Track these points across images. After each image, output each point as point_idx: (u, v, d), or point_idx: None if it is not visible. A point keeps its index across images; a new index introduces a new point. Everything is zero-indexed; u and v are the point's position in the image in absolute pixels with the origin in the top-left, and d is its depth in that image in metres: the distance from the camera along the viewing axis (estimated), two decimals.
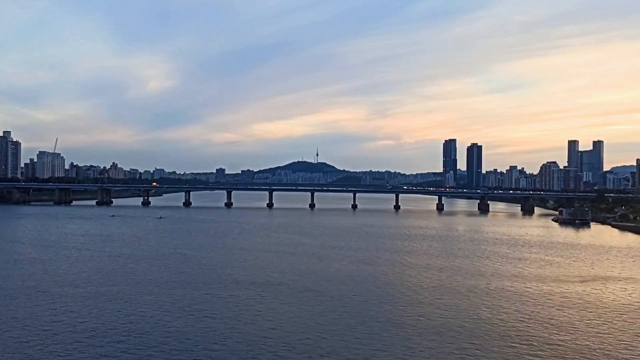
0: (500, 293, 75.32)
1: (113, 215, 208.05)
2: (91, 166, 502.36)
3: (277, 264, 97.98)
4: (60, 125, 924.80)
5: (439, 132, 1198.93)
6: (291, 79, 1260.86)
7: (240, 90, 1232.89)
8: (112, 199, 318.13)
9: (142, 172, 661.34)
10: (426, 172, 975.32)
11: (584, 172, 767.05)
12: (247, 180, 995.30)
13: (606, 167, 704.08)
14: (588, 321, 60.48)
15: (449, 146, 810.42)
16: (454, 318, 60.46)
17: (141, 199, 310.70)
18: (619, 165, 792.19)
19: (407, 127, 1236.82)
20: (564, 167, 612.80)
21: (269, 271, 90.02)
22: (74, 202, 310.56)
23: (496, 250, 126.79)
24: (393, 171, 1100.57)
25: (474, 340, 51.96)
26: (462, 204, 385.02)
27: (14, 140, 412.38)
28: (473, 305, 67.41)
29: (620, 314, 64.05)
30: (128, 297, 67.92)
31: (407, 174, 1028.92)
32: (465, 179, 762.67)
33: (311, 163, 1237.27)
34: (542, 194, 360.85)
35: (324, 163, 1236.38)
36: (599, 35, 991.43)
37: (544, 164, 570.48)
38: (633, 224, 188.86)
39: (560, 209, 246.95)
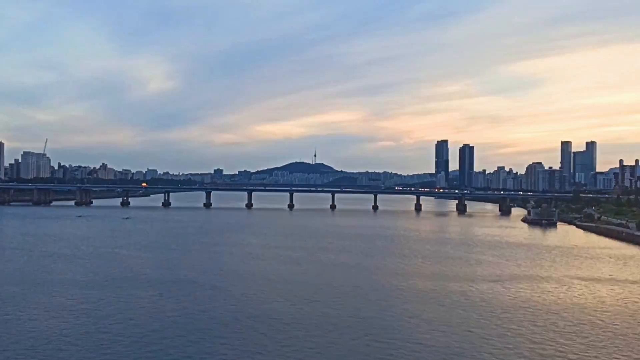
0: (400, 292, 76.23)
1: (80, 216, 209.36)
2: (79, 166, 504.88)
3: (204, 264, 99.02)
4: (60, 126, 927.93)
5: (439, 133, 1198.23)
6: (291, 79, 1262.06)
7: (241, 91, 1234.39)
8: (92, 200, 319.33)
9: (134, 172, 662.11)
10: (423, 172, 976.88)
11: (577, 173, 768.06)
12: (244, 181, 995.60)
13: (604, 168, 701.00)
14: (464, 320, 61.38)
15: (441, 147, 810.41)
16: (327, 315, 61.46)
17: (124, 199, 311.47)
18: (617, 166, 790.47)
19: (407, 128, 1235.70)
20: (558, 167, 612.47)
21: (188, 270, 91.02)
22: (54, 203, 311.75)
23: (438, 249, 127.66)
24: (389, 172, 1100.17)
25: (318, 336, 52.96)
26: (442, 205, 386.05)
27: None
28: (356, 303, 68.36)
29: (508, 313, 64.81)
30: (19, 297, 68.86)
31: (404, 174, 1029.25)
32: (458, 180, 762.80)
33: (309, 164, 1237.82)
34: (520, 195, 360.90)
35: (322, 164, 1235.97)
36: (599, 36, 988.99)
37: (529, 165, 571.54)
38: (594, 224, 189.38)
39: (528, 209, 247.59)
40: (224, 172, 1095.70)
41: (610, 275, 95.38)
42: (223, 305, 65.89)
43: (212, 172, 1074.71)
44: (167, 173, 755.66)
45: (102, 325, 55.91)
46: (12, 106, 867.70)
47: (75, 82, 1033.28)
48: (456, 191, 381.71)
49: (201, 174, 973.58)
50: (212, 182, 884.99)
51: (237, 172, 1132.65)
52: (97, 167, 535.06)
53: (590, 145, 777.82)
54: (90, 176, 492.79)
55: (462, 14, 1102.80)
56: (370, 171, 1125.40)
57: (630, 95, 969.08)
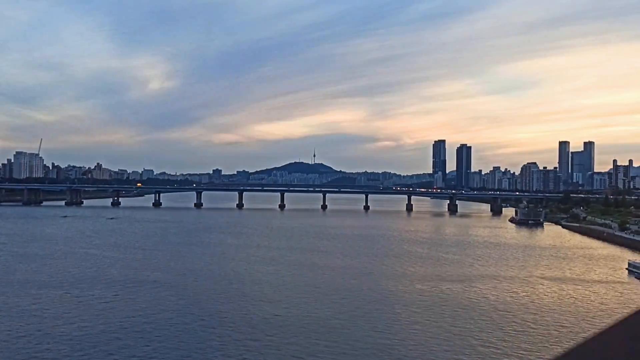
0: (353, 292, 76.12)
1: (65, 216, 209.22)
2: (73, 166, 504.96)
3: (171, 264, 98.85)
4: (60, 126, 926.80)
5: (439, 134, 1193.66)
6: (291, 79, 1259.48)
7: (241, 91, 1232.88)
8: (82, 200, 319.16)
9: (130, 172, 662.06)
10: (422, 173, 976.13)
11: (574, 173, 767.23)
12: (243, 181, 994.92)
13: (604, 169, 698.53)
14: (407, 319, 61.33)
15: (438, 147, 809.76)
16: (275, 316, 61.42)
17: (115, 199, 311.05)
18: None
19: (407, 128, 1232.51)
20: (553, 167, 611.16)
21: (153, 270, 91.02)
22: (45, 203, 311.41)
23: (411, 249, 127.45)
24: (389, 172, 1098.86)
25: (266, 334, 52.92)
26: (436, 205, 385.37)
27: None
28: (309, 303, 68.33)
29: (452, 311, 64.83)
30: None
31: (403, 174, 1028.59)
32: (456, 180, 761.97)
33: (308, 164, 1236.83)
34: (511, 194, 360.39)
35: (321, 164, 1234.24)
36: (600, 36, 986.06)
37: (524, 165, 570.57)
38: (578, 224, 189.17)
39: (516, 209, 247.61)
40: (223, 172, 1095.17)
41: (575, 275, 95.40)
42: (173, 306, 65.90)
43: (211, 172, 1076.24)
44: (163, 173, 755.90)
45: (45, 325, 56.01)
46: (11, 106, 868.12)
47: (74, 82, 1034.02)
48: (447, 191, 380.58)
49: (199, 174, 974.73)
50: (210, 182, 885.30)
51: (235, 173, 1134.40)
52: (92, 167, 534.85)
53: (588, 146, 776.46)
54: (84, 176, 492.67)
55: (462, 14, 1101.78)
56: (369, 171, 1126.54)
57: (630, 95, 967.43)
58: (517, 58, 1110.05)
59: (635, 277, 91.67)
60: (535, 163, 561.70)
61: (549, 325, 59.75)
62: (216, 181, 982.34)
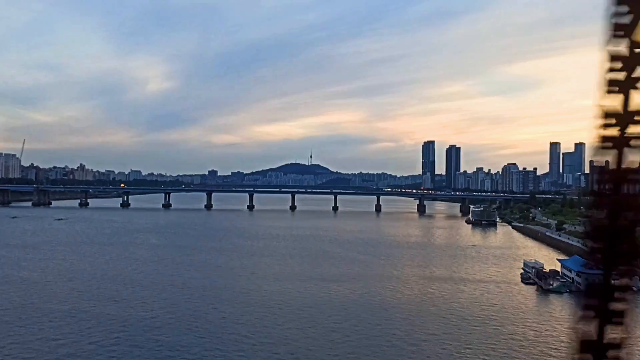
0: (228, 291, 75.99)
1: (15, 217, 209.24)
2: (55, 167, 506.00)
3: (67, 263, 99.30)
4: (58, 127, 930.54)
5: (439, 134, 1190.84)
6: (290, 80, 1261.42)
7: (240, 92, 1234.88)
8: (51, 201, 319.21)
9: (117, 173, 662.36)
10: (417, 174, 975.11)
11: (565, 174, 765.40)
12: (237, 182, 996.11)
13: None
14: (259, 315, 61.03)
15: (428, 148, 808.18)
16: (129, 315, 61.20)
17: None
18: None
19: (407, 129, 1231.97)
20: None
21: (37, 270, 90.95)
22: (14, 204, 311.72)
23: (332, 250, 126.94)
24: (387, 173, 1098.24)
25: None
26: (406, 206, 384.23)
27: None
28: (173, 302, 68.37)
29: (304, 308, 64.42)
30: None
31: (399, 176, 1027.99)
32: (446, 181, 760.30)
33: (304, 165, 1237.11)
34: (478, 195, 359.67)
35: (318, 165, 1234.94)
36: (598, 37, 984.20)
37: (504, 165, 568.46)
38: (522, 225, 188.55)
39: (473, 210, 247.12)
40: (219, 173, 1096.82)
41: (463, 275, 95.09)
42: (32, 301, 65.97)
43: (207, 173, 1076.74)
44: (151, 174, 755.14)
45: None
46: (9, 107, 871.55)
47: (72, 82, 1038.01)
48: (416, 191, 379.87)
49: (191, 175, 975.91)
50: (202, 183, 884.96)
51: (230, 173, 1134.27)
52: (75, 167, 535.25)
53: (579, 146, 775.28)
54: (65, 177, 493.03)
55: (462, 14, 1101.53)
56: (364, 172, 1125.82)
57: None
58: (517, 59, 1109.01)
59: (523, 277, 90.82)
60: (515, 164, 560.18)
61: (375, 323, 59.35)
62: (211, 182, 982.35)
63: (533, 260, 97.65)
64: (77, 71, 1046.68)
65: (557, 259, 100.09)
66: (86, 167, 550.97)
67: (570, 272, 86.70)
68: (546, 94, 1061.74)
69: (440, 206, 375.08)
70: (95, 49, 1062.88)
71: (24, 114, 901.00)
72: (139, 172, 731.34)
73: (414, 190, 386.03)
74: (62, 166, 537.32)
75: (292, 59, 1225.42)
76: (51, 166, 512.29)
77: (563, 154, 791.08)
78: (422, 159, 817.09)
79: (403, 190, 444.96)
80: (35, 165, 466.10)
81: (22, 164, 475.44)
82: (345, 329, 57.21)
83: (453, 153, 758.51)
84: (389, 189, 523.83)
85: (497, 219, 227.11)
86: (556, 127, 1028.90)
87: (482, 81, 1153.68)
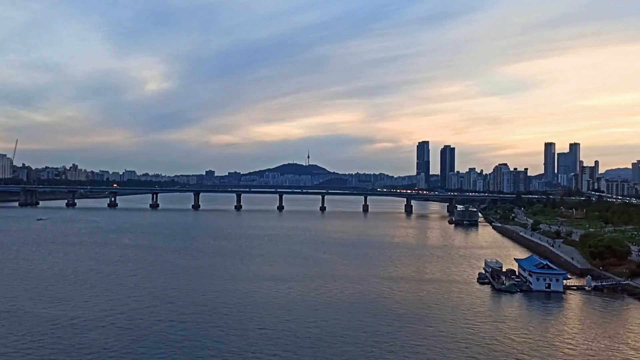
0: (171, 291, 76.13)
1: None
2: (47, 167, 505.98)
3: (25, 262, 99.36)
4: (57, 127, 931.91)
5: (438, 135, 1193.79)
6: (289, 80, 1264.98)
7: (238, 92, 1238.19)
8: (38, 201, 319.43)
9: (111, 173, 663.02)
10: (413, 174, 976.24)
11: (560, 175, 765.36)
12: (234, 183, 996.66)
13: (601, 170, 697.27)
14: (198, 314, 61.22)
15: (422, 148, 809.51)
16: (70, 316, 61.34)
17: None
18: (614, 168, 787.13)
19: (406, 130, 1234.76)
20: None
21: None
22: (0, 204, 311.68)
23: (299, 249, 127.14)
24: (385, 174, 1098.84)
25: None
26: (396, 206, 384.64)
27: None
28: (114, 302, 68.42)
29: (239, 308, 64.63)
30: None
31: (396, 176, 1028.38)
32: (440, 181, 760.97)
33: (302, 165, 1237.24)
34: (464, 195, 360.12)
35: (315, 165, 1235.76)
36: (598, 37, 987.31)
37: (495, 166, 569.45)
38: (500, 225, 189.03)
39: (455, 210, 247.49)
40: (216, 174, 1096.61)
41: (421, 274, 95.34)
42: None
43: (204, 173, 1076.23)
44: (146, 174, 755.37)
45: None
46: (7, 107, 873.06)
47: (71, 83, 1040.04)
48: (404, 191, 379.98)
49: (187, 176, 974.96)
50: (198, 184, 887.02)
51: (227, 174, 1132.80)
52: (68, 167, 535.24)
53: (574, 147, 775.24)
54: (57, 177, 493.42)
55: (460, 15, 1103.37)
56: (361, 173, 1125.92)
57: (630, 97, 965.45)
58: (515, 59, 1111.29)
59: (480, 277, 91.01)
60: (506, 164, 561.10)
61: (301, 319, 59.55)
62: (207, 182, 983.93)
63: (494, 260, 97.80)
64: (76, 71, 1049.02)
65: (514, 259, 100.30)
66: (79, 168, 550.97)
67: (524, 271, 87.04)
68: (544, 94, 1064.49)
69: (434, 206, 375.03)
70: (93, 49, 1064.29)
71: (22, 114, 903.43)
72: (134, 172, 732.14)
73: (401, 190, 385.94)
74: (57, 166, 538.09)
75: (290, 59, 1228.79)
76: (44, 166, 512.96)
77: (558, 154, 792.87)
78: (417, 159, 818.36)
79: (393, 190, 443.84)
80: (27, 165, 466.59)
81: (14, 164, 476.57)
82: (280, 329, 57.31)
83: (447, 153, 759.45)
84: (382, 189, 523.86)
85: (479, 219, 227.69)
86: (553, 127, 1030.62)
87: (481, 81, 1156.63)
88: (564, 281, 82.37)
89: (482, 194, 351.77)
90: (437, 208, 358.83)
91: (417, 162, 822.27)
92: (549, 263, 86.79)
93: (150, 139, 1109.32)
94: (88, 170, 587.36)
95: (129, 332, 54.19)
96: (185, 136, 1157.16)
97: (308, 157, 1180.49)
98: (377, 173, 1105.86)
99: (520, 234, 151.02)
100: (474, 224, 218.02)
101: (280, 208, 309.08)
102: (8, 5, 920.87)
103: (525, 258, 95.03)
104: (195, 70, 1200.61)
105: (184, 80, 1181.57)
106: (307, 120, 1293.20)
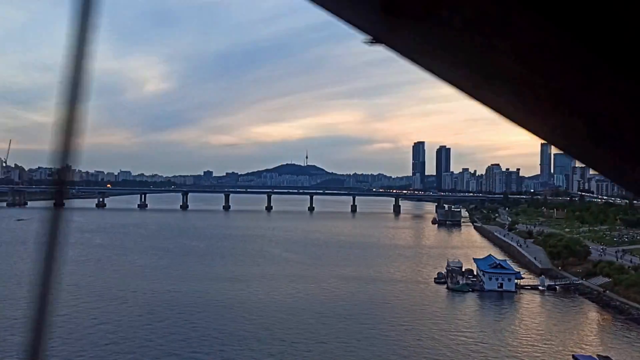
0: (129, 292, 76.36)
1: None
2: (40, 167, 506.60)
3: None
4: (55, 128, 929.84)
5: (437, 135, 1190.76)
6: (289, 81, 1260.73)
7: (238, 93, 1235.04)
8: (27, 201, 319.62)
9: (106, 173, 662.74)
10: (410, 175, 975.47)
11: (556, 175, 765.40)
12: (231, 183, 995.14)
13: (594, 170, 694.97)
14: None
15: (418, 149, 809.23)
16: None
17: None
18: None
19: (405, 130, 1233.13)
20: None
21: None
22: None
23: (271, 250, 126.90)
24: (378, 174, 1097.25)
25: None
26: (384, 207, 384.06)
27: None
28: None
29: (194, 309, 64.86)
30: None
31: (394, 176, 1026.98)
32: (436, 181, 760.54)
33: (300, 166, 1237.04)
34: (453, 196, 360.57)
35: (313, 166, 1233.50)
36: None
37: (488, 166, 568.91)
38: (480, 225, 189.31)
39: (439, 210, 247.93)
40: (214, 174, 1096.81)
41: (385, 274, 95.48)
42: None
43: (202, 173, 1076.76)
44: (141, 175, 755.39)
45: None
46: (6, 107, 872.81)
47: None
48: (390, 191, 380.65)
49: (184, 176, 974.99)
50: (195, 184, 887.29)
51: (224, 174, 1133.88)
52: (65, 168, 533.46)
53: None
54: (49, 177, 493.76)
55: None
56: (359, 173, 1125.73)
57: None
58: None
59: (438, 277, 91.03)
60: (498, 165, 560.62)
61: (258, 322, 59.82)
62: (205, 183, 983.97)
63: (456, 260, 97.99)
64: None
65: (472, 259, 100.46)
66: (72, 168, 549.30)
67: (480, 271, 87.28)
68: None
69: (428, 206, 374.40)
70: (92, 50, 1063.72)
71: (21, 114, 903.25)
72: (129, 172, 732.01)
73: (394, 191, 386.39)
74: (50, 167, 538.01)
75: (289, 59, 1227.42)
76: (37, 167, 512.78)
77: (554, 154, 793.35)
78: (413, 159, 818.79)
79: (386, 190, 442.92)
80: (19, 165, 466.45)
81: (8, 164, 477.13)
82: (213, 328, 57.60)
83: (443, 154, 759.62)
84: (377, 190, 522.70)
85: (463, 219, 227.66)
86: None
87: None
88: (517, 281, 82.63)
89: (472, 194, 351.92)
90: (430, 208, 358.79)
91: (412, 163, 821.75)
92: (502, 263, 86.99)
93: (149, 139, 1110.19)
94: (83, 170, 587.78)
95: (59, 333, 54.32)
96: (184, 136, 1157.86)
97: (306, 157, 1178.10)
98: (375, 173, 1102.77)
99: (495, 233, 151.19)
100: (456, 224, 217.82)
101: (269, 208, 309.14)
102: (6, 5, 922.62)
103: (483, 258, 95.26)
104: (194, 70, 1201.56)
105: (183, 81, 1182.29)
106: (305, 121, 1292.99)
